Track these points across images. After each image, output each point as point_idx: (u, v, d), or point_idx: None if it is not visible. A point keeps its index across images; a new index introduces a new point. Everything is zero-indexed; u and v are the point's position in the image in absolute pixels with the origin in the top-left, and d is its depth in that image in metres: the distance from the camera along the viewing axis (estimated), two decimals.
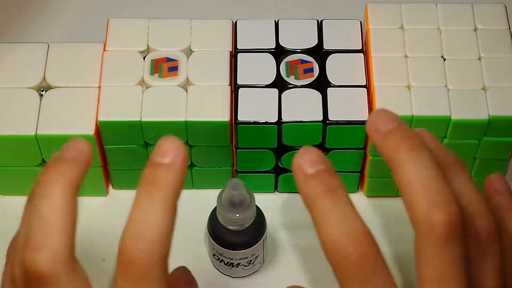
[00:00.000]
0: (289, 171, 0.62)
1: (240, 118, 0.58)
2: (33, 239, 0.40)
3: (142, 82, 0.60)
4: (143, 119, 0.58)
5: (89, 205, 0.63)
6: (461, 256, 0.42)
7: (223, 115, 0.58)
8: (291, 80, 0.59)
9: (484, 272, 0.43)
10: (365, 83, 0.59)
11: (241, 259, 0.58)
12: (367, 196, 0.64)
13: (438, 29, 0.61)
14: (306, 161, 0.42)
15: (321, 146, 0.59)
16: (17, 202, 0.63)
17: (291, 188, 0.64)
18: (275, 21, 0.62)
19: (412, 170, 0.42)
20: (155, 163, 0.40)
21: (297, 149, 0.60)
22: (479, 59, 0.60)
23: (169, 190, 0.40)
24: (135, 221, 0.40)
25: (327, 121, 0.58)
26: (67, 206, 0.40)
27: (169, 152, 0.40)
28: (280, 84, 0.59)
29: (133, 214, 0.40)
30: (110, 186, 0.64)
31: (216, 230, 0.57)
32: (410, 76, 0.59)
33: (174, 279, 0.54)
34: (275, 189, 0.64)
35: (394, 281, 0.42)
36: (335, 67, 0.60)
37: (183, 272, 0.55)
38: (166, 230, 0.40)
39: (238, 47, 0.61)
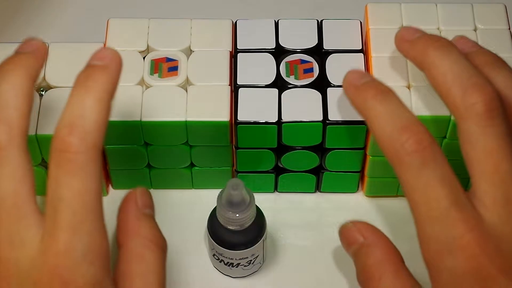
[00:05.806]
0: (289, 171, 0.62)
1: (240, 118, 0.58)
2: None
3: (142, 82, 0.60)
4: (143, 119, 0.58)
5: None
6: (506, 133, 0.43)
7: (223, 115, 0.58)
8: (291, 80, 0.59)
9: None
10: None
11: (241, 259, 0.58)
12: (367, 196, 0.64)
13: (438, 29, 0.61)
14: (354, 77, 0.46)
15: (321, 146, 0.59)
16: None
17: (291, 188, 0.64)
18: (275, 21, 0.62)
19: (443, 64, 0.45)
20: (91, 65, 0.42)
21: (297, 149, 0.60)
22: None
23: (104, 86, 0.41)
24: (70, 112, 0.40)
25: (327, 121, 0.58)
26: (26, 88, 0.42)
27: (106, 57, 0.42)
28: (280, 84, 0.59)
29: (68, 105, 0.41)
30: (110, 186, 0.64)
31: (216, 230, 0.57)
32: (410, 76, 0.59)
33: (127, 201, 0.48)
34: (275, 189, 0.64)
35: (451, 169, 0.43)
36: (335, 67, 0.60)
37: (141, 192, 0.46)
38: (101, 121, 0.40)
39: (238, 47, 0.61)
